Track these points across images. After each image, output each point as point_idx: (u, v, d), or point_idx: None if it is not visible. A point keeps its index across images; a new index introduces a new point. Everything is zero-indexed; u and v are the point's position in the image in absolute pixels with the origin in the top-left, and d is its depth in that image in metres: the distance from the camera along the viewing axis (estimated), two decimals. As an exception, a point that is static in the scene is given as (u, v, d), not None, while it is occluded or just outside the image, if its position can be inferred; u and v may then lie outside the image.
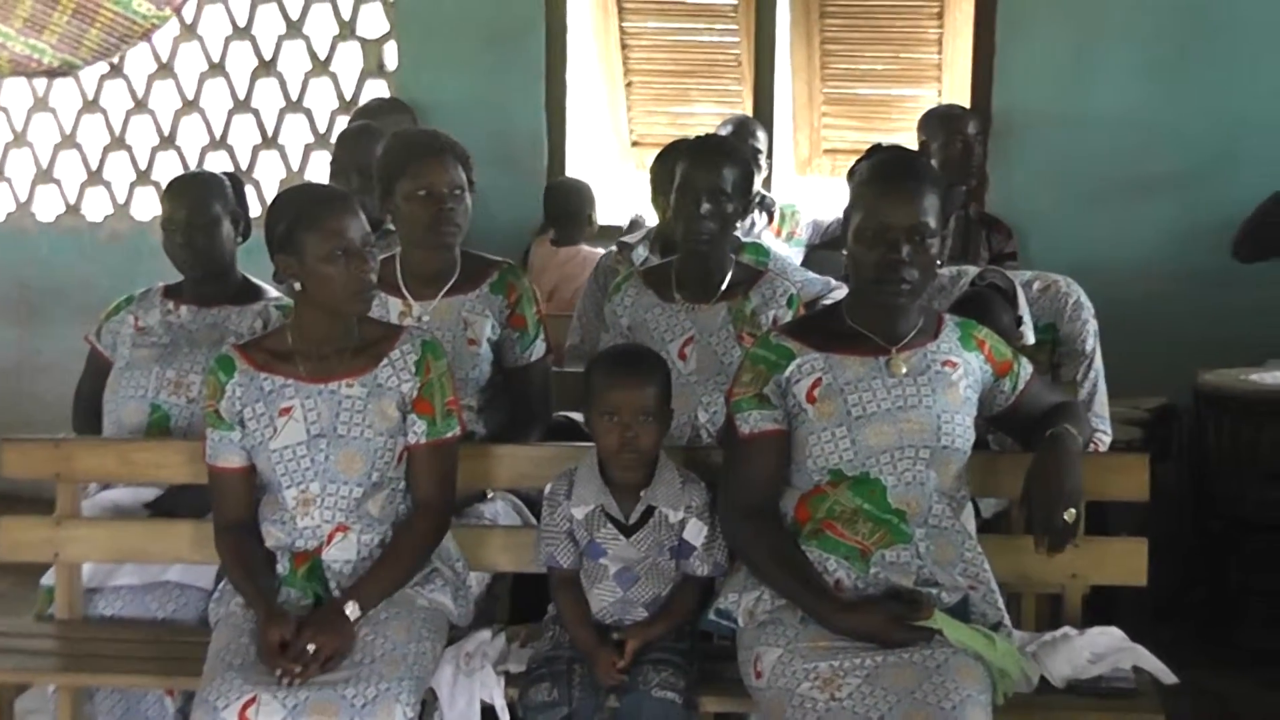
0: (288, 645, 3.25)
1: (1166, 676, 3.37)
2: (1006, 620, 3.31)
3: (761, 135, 6.00)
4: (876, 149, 3.46)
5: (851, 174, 3.40)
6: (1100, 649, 3.37)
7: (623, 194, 6.76)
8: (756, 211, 5.94)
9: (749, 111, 6.43)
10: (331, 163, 5.63)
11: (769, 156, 6.14)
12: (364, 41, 6.65)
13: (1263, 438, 5.09)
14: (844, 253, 3.39)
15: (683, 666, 3.32)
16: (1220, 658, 5.09)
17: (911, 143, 5.83)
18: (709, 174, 4.15)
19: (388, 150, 4.06)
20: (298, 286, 3.45)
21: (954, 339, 3.40)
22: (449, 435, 3.52)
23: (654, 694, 3.23)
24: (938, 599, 3.19)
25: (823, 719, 2.96)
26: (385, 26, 6.63)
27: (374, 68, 6.66)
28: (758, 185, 5.89)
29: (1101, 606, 4.20)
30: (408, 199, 3.97)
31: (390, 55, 6.64)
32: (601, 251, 5.87)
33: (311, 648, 3.23)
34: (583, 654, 3.34)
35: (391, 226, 4.39)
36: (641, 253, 5.09)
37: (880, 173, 3.33)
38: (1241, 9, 5.96)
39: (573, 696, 3.28)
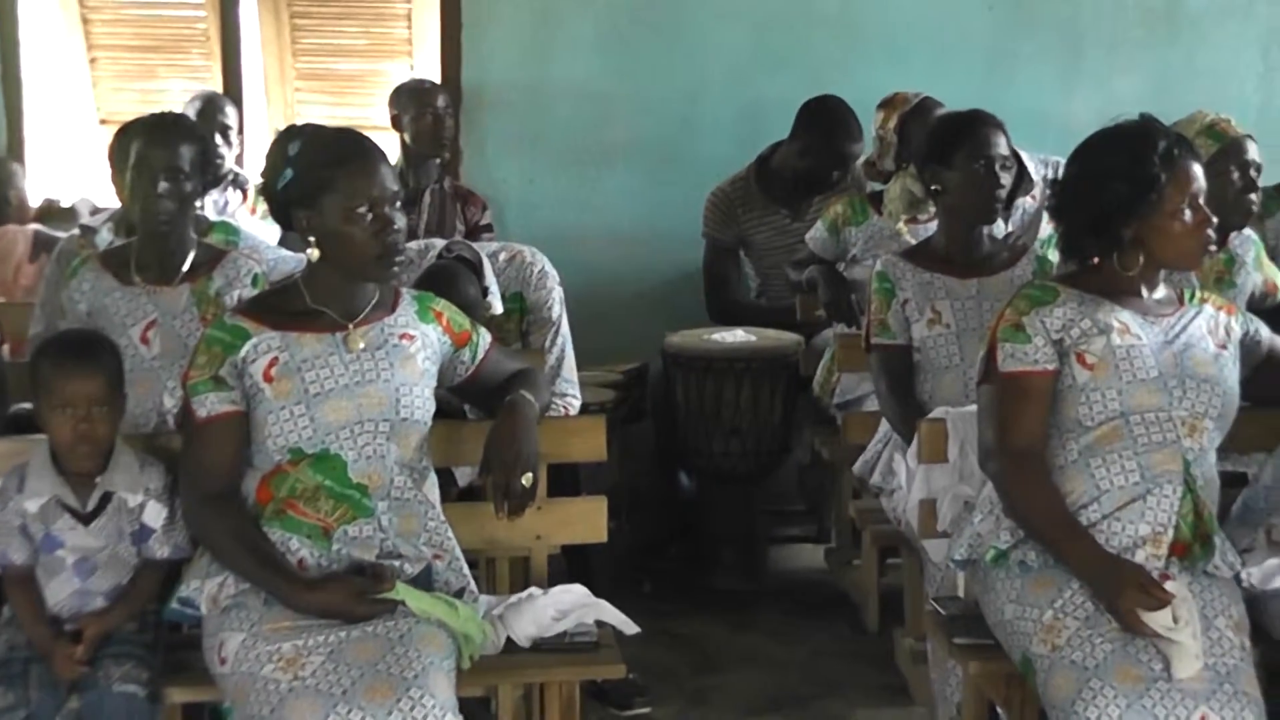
0: None
1: (628, 627, 3.48)
2: (472, 586, 3.37)
3: (231, 111, 5.89)
4: (298, 130, 3.40)
5: (294, 162, 3.31)
6: (565, 606, 3.45)
7: (92, 174, 6.53)
8: (230, 189, 5.85)
9: (219, 87, 6.31)
10: None
11: (240, 132, 6.04)
12: None
13: (724, 395, 5.35)
14: (311, 239, 3.30)
15: (146, 659, 3.24)
16: (696, 603, 5.34)
17: (384, 117, 5.88)
18: (165, 152, 4.05)
19: None
20: None
21: (411, 312, 3.43)
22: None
23: (115, 688, 3.14)
24: (401, 570, 3.22)
25: (285, 700, 2.94)
26: None
27: None
28: (230, 163, 5.82)
29: (579, 565, 4.37)
30: None
31: None
32: (33, 228, 5.67)
33: None
34: (40, 653, 3.21)
35: None
36: (106, 236, 4.92)
37: (344, 151, 3.31)
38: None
39: (30, 698, 3.15)
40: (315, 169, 3.27)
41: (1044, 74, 6.45)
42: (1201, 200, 3.34)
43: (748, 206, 5.96)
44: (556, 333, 4.54)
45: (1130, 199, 3.31)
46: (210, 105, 5.79)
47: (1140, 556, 3.23)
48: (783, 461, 5.64)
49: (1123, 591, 3.09)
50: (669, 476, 5.76)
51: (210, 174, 4.35)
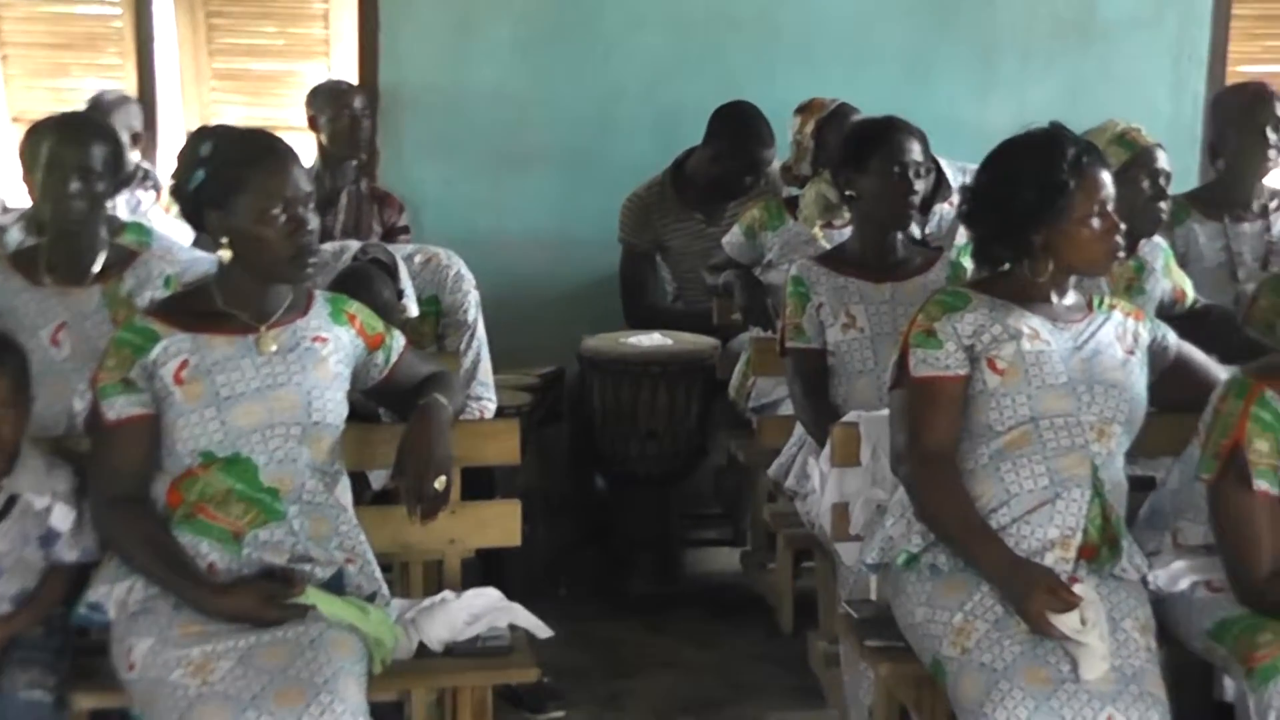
0: None
1: (542, 631, 3.47)
2: (384, 590, 3.35)
3: (137, 110, 5.84)
4: (209, 131, 3.37)
5: (206, 163, 3.27)
6: (478, 610, 3.44)
7: (2, 173, 6.44)
8: (142, 188, 5.80)
9: (134, 86, 6.25)
10: None
11: (153, 130, 6.00)
12: None
13: (640, 398, 5.36)
14: (224, 240, 3.26)
15: (53, 664, 3.20)
16: (611, 607, 5.36)
17: (301, 118, 5.86)
18: (77, 151, 4.01)
19: None
20: None
21: (324, 315, 3.41)
22: None
23: (21, 694, 3.11)
24: (312, 574, 3.20)
25: (193, 706, 2.91)
26: None
27: None
28: (136, 159, 5.78)
29: (493, 568, 4.36)
30: None
31: None
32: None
33: None
34: (-57, 661, 3.18)
35: None
36: (16, 235, 4.86)
37: (256, 151, 3.28)
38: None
39: (-66, 705, 3.12)
40: (227, 169, 3.24)
41: (959, 82, 6.52)
42: (1110, 207, 3.38)
43: (663, 211, 5.98)
44: (472, 336, 4.54)
45: (1039, 205, 3.34)
46: (120, 105, 5.75)
47: (1049, 560, 3.26)
48: (698, 465, 5.66)
49: (1031, 594, 3.12)
50: (585, 480, 5.76)
51: (122, 174, 4.31)
